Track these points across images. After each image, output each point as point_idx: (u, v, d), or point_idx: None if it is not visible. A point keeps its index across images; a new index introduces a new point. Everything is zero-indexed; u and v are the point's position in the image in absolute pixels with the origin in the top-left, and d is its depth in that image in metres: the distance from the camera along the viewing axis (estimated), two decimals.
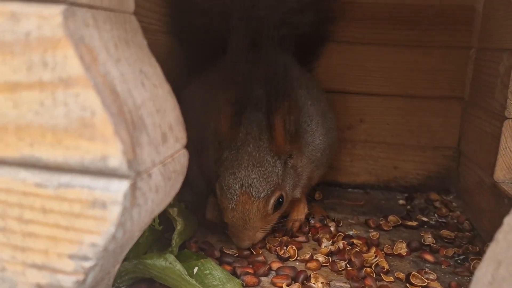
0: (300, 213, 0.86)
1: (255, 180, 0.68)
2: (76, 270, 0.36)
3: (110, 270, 0.44)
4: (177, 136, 0.43)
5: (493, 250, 0.43)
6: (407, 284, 0.69)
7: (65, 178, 0.34)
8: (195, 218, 0.80)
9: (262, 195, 0.69)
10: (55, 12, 0.32)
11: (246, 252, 0.75)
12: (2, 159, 0.35)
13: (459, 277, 0.72)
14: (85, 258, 0.36)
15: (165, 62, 0.87)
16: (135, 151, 0.34)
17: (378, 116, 1.06)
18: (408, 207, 1.01)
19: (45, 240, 0.36)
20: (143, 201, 0.37)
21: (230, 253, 0.74)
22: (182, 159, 0.44)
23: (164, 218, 0.69)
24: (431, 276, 0.71)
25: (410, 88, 1.04)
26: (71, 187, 0.34)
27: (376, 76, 1.04)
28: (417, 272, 0.71)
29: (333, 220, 0.89)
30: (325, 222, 0.88)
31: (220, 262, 0.71)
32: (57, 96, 0.33)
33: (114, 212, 0.34)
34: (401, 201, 1.05)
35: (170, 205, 0.67)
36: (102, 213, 0.34)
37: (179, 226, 0.65)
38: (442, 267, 0.75)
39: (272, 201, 0.71)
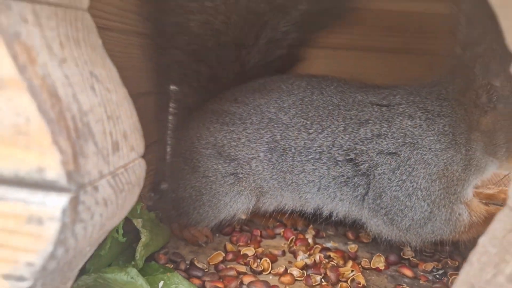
0: None
1: None
2: None
3: (58, 287, 0.41)
4: (132, 145, 0.40)
5: (467, 273, 0.40)
6: None
7: None
8: (167, 228, 0.77)
9: None
10: None
11: (218, 265, 0.72)
12: None
13: None
14: (21, 278, 0.32)
15: (137, 65, 0.84)
16: (77, 162, 0.31)
17: None
18: None
19: None
20: (89, 216, 0.34)
21: (201, 266, 0.71)
22: (137, 169, 0.40)
23: (131, 228, 0.65)
24: None
25: None
26: (5, 201, 0.31)
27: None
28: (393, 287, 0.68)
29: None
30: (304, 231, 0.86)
31: (189, 275, 0.68)
32: None
33: (51, 229, 0.31)
34: None
35: (136, 216, 0.63)
36: (39, 230, 0.31)
37: (143, 238, 0.62)
38: (420, 282, 0.73)
39: None
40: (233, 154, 0.75)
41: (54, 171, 0.30)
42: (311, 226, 0.87)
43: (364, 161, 0.71)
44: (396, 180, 0.69)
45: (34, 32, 0.31)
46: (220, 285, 0.65)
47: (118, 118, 0.38)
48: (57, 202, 0.31)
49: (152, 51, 0.87)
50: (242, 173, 0.75)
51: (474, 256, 0.40)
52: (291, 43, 0.86)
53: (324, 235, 0.87)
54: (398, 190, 0.69)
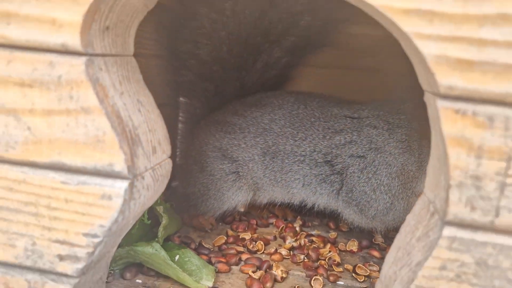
0: None
1: None
2: (88, 245, 0.50)
3: (110, 249, 0.58)
4: (164, 149, 0.57)
5: (397, 239, 0.57)
6: (353, 274, 0.83)
7: (83, 178, 0.49)
8: (179, 217, 0.94)
9: None
10: (80, 62, 0.46)
11: (221, 246, 0.89)
12: (37, 163, 0.49)
13: None
14: (95, 236, 0.50)
15: (154, 81, 1.02)
16: (133, 160, 0.49)
17: None
18: None
19: (66, 222, 0.50)
20: (138, 196, 0.51)
21: (207, 246, 0.88)
22: (167, 166, 0.58)
23: (153, 215, 0.82)
24: (374, 268, 0.85)
25: None
26: (87, 184, 0.49)
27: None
28: (362, 265, 0.85)
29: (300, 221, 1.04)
30: (293, 221, 1.03)
31: (198, 253, 0.84)
32: (79, 120, 0.47)
33: (117, 203, 0.48)
34: None
35: (158, 204, 0.81)
36: (109, 203, 0.48)
37: (164, 221, 0.79)
38: None
39: None
40: (234, 156, 0.92)
41: (120, 165, 0.48)
42: (298, 217, 1.04)
43: (339, 162, 0.88)
44: (364, 177, 0.86)
45: (105, 76, 0.49)
46: (223, 260, 0.83)
47: (155, 130, 0.55)
48: (121, 185, 0.48)
49: (167, 71, 1.04)
50: (241, 172, 0.92)
51: (402, 228, 0.58)
52: (283, 65, 1.04)
53: (310, 224, 1.04)
54: (366, 186, 0.86)
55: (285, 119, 0.92)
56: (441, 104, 0.43)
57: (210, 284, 0.74)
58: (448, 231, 0.45)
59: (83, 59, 0.46)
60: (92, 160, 0.48)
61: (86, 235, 0.50)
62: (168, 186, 1.15)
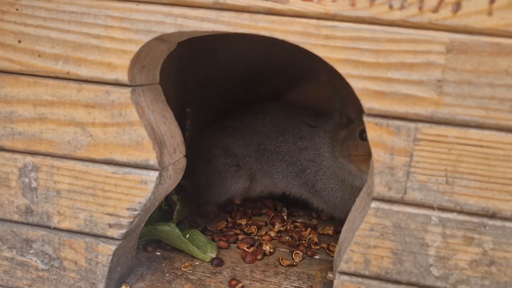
0: None
1: None
2: (129, 216, 0.72)
3: (141, 223, 0.80)
4: (181, 150, 0.80)
5: (349, 215, 0.80)
6: (327, 251, 1.05)
7: (127, 169, 0.71)
8: (187, 206, 1.16)
9: None
10: (127, 91, 0.69)
11: (222, 229, 1.11)
12: (95, 159, 0.71)
13: None
14: (135, 209, 0.72)
15: (169, 96, 1.24)
16: (161, 157, 0.71)
17: None
18: None
19: (115, 200, 0.72)
20: (164, 182, 0.73)
21: (211, 229, 1.10)
22: (183, 162, 0.80)
23: (168, 204, 1.04)
24: None
25: None
26: (130, 174, 0.71)
27: None
28: (335, 243, 1.07)
29: (287, 210, 1.26)
30: (281, 211, 1.25)
31: (204, 234, 1.06)
32: (125, 130, 0.70)
33: (151, 186, 0.71)
34: None
35: (173, 194, 1.03)
36: (145, 187, 0.71)
37: (178, 207, 1.01)
38: None
39: None
40: (235, 152, 1.14)
41: (153, 161, 0.70)
42: (284, 208, 1.27)
43: (300, 164, 1.10)
44: (318, 178, 1.08)
45: (143, 100, 0.71)
46: (223, 239, 1.05)
47: (175, 136, 0.78)
48: (154, 174, 0.70)
49: (178, 88, 1.27)
50: (241, 165, 1.15)
51: (353, 207, 0.80)
52: (281, 90, 1.27)
53: (296, 214, 1.26)
54: (321, 184, 1.08)
55: (271, 124, 1.14)
56: (366, 119, 0.65)
57: (213, 255, 0.96)
58: (374, 204, 0.67)
59: (129, 89, 0.69)
60: (133, 157, 0.70)
61: (128, 209, 0.72)
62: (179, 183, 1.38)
